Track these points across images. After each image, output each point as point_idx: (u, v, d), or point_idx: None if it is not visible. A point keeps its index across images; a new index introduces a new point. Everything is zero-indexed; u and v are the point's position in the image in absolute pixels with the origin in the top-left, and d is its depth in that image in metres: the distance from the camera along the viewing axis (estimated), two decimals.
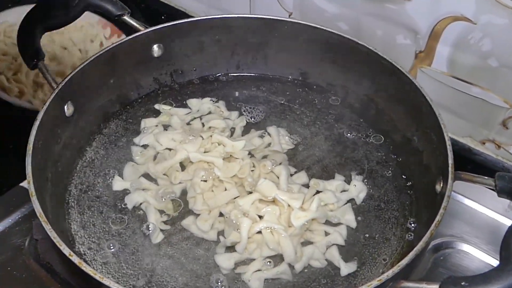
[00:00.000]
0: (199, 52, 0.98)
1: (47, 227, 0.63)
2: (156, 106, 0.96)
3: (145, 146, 0.89)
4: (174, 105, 0.97)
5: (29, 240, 0.82)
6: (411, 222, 0.79)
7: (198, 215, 0.79)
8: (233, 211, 0.77)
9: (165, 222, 0.78)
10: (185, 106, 0.97)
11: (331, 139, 0.91)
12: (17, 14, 1.00)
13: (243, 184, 0.81)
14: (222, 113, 0.95)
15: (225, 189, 0.81)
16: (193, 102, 0.97)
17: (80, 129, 0.86)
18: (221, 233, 0.77)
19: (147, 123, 0.93)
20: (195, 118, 0.94)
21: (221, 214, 0.79)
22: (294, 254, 0.73)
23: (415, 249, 0.62)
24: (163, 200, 0.81)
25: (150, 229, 0.77)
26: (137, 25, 0.92)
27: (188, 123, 0.93)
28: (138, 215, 0.79)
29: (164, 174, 0.84)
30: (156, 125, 0.92)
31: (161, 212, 0.80)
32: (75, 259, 0.60)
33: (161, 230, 0.77)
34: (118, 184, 0.83)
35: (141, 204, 0.80)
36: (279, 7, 1.10)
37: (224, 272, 0.73)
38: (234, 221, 0.76)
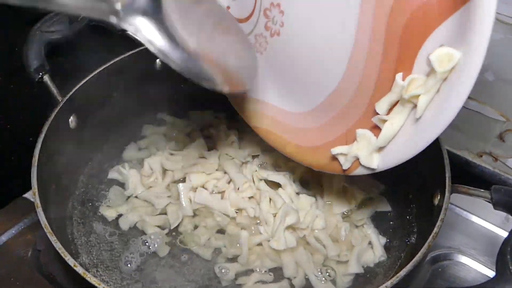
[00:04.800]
0: None
1: (52, 238, 0.64)
2: (158, 116, 0.98)
3: (141, 164, 0.89)
4: (176, 116, 0.99)
5: (32, 251, 0.83)
6: (411, 234, 0.80)
7: (197, 227, 0.80)
8: (229, 226, 0.79)
9: (166, 234, 0.79)
10: (187, 117, 0.99)
11: None
12: None
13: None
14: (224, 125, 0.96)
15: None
16: (194, 114, 0.99)
17: (84, 141, 0.87)
18: (220, 245, 0.78)
19: (149, 132, 0.95)
20: (194, 130, 0.96)
21: (218, 231, 0.80)
22: (294, 267, 0.74)
23: (413, 260, 0.63)
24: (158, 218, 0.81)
25: (151, 240, 0.78)
26: None
27: (187, 134, 0.95)
28: (137, 228, 0.80)
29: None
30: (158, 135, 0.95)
31: (159, 227, 0.80)
32: (79, 269, 0.60)
33: (166, 243, 0.78)
34: (109, 211, 0.82)
35: (136, 223, 0.81)
36: None
37: (224, 283, 0.74)
38: (233, 236, 0.77)
